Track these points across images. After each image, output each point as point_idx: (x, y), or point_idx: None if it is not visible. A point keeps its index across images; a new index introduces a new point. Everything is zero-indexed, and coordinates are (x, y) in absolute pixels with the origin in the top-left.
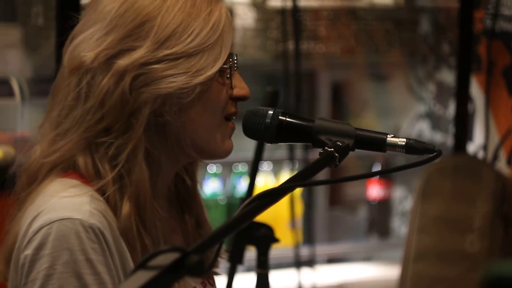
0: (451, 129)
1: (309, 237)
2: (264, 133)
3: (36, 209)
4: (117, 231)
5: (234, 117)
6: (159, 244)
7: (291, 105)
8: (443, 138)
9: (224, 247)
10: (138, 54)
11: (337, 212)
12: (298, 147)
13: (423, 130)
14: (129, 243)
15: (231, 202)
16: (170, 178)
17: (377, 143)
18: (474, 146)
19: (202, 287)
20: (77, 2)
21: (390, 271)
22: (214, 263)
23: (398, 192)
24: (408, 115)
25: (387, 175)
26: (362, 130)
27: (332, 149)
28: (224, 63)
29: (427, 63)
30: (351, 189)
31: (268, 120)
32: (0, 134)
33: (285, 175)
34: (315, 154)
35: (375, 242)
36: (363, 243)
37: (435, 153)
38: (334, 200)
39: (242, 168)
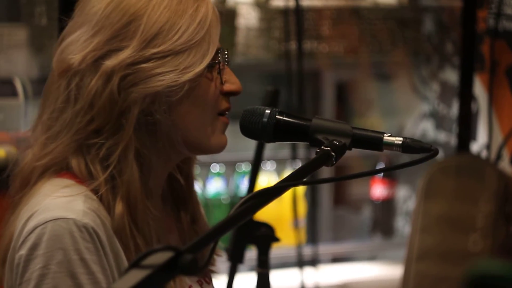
0: (455, 128)
1: (312, 237)
2: (261, 132)
3: (31, 209)
4: (111, 230)
5: (227, 112)
6: (152, 244)
7: (294, 104)
8: (447, 138)
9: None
10: (125, 54)
11: (341, 212)
12: (301, 146)
13: (427, 129)
14: (123, 242)
15: (234, 202)
16: (163, 177)
17: (374, 142)
18: (477, 145)
19: (198, 285)
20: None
21: (394, 271)
22: (209, 262)
23: (402, 192)
24: (412, 115)
25: (390, 175)
26: (359, 129)
27: (329, 148)
28: (213, 59)
29: (431, 63)
30: (355, 189)
31: (265, 119)
32: (3, 133)
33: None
34: None
35: (379, 241)
36: (367, 243)
37: (431, 152)
38: (339, 199)
39: (246, 167)
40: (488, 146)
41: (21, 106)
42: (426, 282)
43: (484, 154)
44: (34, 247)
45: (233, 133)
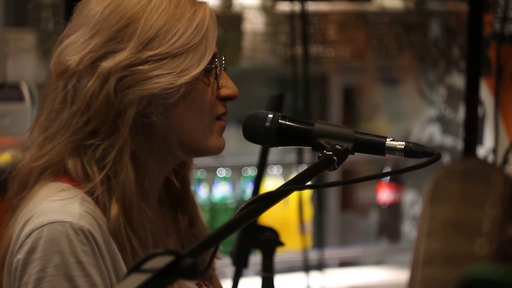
0: (462, 133)
1: (319, 241)
2: (264, 137)
3: (28, 214)
4: (108, 233)
5: (223, 116)
6: (148, 246)
7: (300, 109)
8: (454, 142)
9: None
10: (122, 56)
11: (348, 216)
12: (307, 151)
13: (434, 134)
14: (119, 244)
15: None
16: (160, 180)
17: (376, 146)
18: (484, 150)
19: None
20: None
21: (401, 275)
22: (209, 266)
23: (409, 196)
24: (419, 119)
25: (397, 179)
26: (361, 133)
27: (331, 153)
28: (210, 63)
29: (437, 67)
30: (362, 193)
31: (268, 124)
32: (10, 138)
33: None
34: None
35: (386, 246)
36: (374, 247)
37: (434, 157)
38: (346, 204)
39: (252, 172)
40: (495, 151)
41: (28, 111)
42: (432, 286)
43: (490, 158)
44: (31, 251)
45: (239, 137)
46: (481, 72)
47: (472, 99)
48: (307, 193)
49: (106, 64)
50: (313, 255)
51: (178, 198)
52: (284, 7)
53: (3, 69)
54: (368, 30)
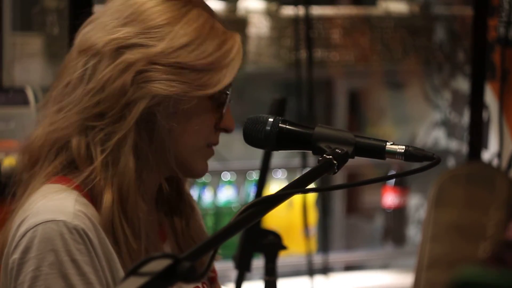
0: (467, 137)
1: (323, 245)
2: (264, 141)
3: (23, 214)
4: (103, 233)
5: (213, 145)
6: (140, 236)
7: (305, 113)
8: (459, 146)
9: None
10: (150, 52)
11: (354, 220)
12: (312, 155)
13: (439, 138)
14: (112, 233)
15: None
16: (156, 181)
17: (376, 150)
18: (489, 154)
19: None
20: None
21: (406, 279)
22: (208, 269)
23: (414, 200)
24: (424, 123)
25: (402, 183)
26: (361, 137)
27: (331, 157)
28: (224, 89)
29: (442, 71)
30: (368, 197)
31: (268, 128)
32: (14, 142)
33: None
34: None
35: (391, 250)
36: (379, 251)
37: (434, 161)
38: (351, 208)
39: (256, 176)
40: (499, 155)
41: (33, 115)
42: None
43: (495, 162)
44: (26, 251)
45: (243, 141)
46: (485, 76)
47: (476, 103)
48: (311, 197)
49: (132, 54)
50: (318, 259)
51: (175, 200)
52: (288, 11)
53: (10, 73)
54: (373, 34)
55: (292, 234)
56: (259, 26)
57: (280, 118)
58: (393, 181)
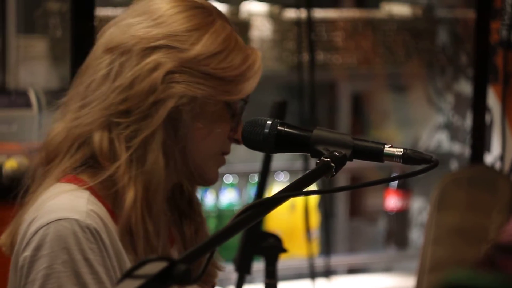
0: (469, 140)
1: (326, 248)
2: (263, 143)
3: (34, 212)
4: (114, 233)
5: (225, 153)
6: (160, 234)
7: (307, 116)
8: (462, 149)
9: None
10: (180, 55)
11: (357, 223)
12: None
13: (442, 141)
14: (132, 230)
15: None
16: (171, 183)
17: (374, 153)
18: (491, 157)
19: None
20: (91, 15)
21: (408, 282)
22: (204, 272)
23: (417, 203)
24: (427, 126)
25: (405, 186)
26: (360, 140)
27: (329, 159)
28: (244, 98)
29: (445, 74)
30: (371, 200)
31: (266, 130)
32: (16, 144)
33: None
34: None
35: (393, 253)
36: (382, 254)
37: (432, 163)
38: (354, 210)
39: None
40: (502, 158)
41: (35, 118)
42: None
43: (498, 165)
44: (38, 248)
45: None
46: (488, 79)
47: (479, 106)
48: (313, 200)
49: (161, 54)
50: (321, 262)
51: (185, 207)
52: (291, 14)
53: (14, 76)
54: (376, 37)
55: (294, 237)
56: (261, 29)
57: (278, 120)
58: (395, 184)
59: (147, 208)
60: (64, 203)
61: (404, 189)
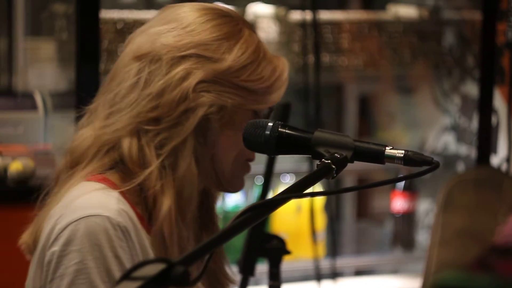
0: (476, 141)
1: (332, 250)
2: (264, 145)
3: (62, 209)
4: (142, 234)
5: (250, 160)
6: (189, 240)
7: (312, 118)
8: (468, 151)
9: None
10: (211, 65)
11: (364, 225)
12: None
13: (449, 142)
14: (164, 234)
15: None
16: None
17: (375, 155)
18: (498, 158)
19: None
20: (97, 16)
21: (415, 284)
22: (203, 274)
23: (424, 205)
24: (434, 128)
25: (411, 188)
26: (360, 142)
27: (329, 161)
28: (272, 108)
29: (452, 76)
30: (378, 202)
31: (267, 132)
32: (21, 146)
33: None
34: None
35: (400, 254)
36: (388, 256)
37: (433, 165)
38: (361, 212)
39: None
40: (508, 159)
41: (41, 120)
42: None
43: (504, 167)
44: (67, 243)
45: None
46: (494, 80)
47: (485, 108)
48: (319, 202)
49: (192, 63)
50: (328, 264)
51: (204, 217)
52: (297, 16)
53: (22, 78)
54: (382, 39)
55: (300, 239)
56: (267, 31)
57: (279, 122)
58: (402, 186)
59: (180, 215)
60: (94, 200)
61: (411, 191)
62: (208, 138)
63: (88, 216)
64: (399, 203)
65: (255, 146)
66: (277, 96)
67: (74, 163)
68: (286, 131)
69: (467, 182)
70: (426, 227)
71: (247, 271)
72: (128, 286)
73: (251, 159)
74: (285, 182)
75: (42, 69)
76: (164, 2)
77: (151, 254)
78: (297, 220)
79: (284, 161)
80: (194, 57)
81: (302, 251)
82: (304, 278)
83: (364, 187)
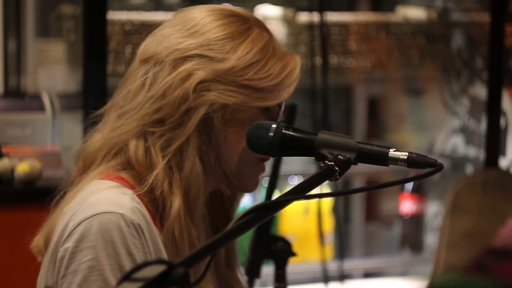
0: (484, 143)
1: (340, 252)
2: (267, 147)
3: (75, 206)
4: (155, 232)
5: (264, 160)
6: (200, 239)
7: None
8: (477, 153)
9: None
10: (214, 65)
11: (373, 227)
12: None
13: (458, 144)
14: (175, 234)
15: None
16: (210, 189)
17: (379, 157)
18: (506, 161)
19: None
20: (104, 18)
21: (423, 286)
22: (204, 276)
23: (433, 207)
24: (443, 130)
25: (420, 190)
26: (364, 143)
27: (332, 163)
28: (280, 105)
29: (461, 78)
30: (387, 204)
31: (271, 134)
32: (28, 147)
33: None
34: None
35: (408, 257)
36: (397, 259)
37: (437, 167)
38: (370, 215)
39: None
40: None
41: (48, 121)
42: None
43: None
44: (81, 239)
45: None
46: (503, 82)
47: (494, 110)
48: (327, 204)
49: (194, 64)
50: (336, 266)
51: (222, 223)
52: (305, 17)
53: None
54: (391, 40)
55: (308, 241)
56: (275, 33)
57: (283, 124)
58: (410, 188)
59: (188, 214)
60: (109, 197)
61: (419, 193)
62: (212, 137)
63: (102, 213)
64: (407, 205)
65: (258, 147)
66: (287, 93)
67: (86, 167)
68: (290, 132)
69: (475, 184)
70: (435, 229)
71: (253, 273)
72: (129, 287)
73: (264, 158)
74: (293, 184)
75: (52, 70)
76: (172, 4)
77: (164, 253)
78: (305, 222)
79: (292, 163)
80: (197, 57)
81: (310, 253)
82: (312, 280)
83: (365, 189)
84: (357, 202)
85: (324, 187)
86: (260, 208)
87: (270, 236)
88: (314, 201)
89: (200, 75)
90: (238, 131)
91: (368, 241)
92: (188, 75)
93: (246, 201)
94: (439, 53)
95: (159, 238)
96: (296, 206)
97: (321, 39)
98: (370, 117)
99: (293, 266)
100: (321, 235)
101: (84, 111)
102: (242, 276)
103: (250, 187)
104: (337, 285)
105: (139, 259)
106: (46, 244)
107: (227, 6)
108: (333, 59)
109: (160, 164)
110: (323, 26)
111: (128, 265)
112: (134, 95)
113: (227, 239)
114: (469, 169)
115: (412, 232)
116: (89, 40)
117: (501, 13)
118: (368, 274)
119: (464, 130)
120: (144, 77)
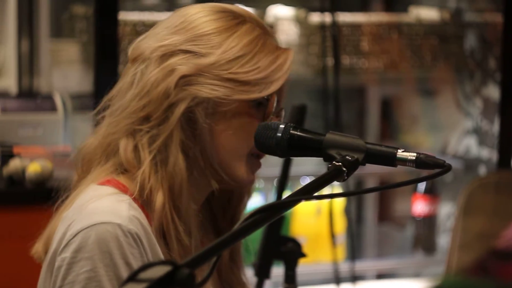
0: (497, 145)
1: (352, 253)
2: (275, 147)
3: (74, 214)
4: (153, 239)
5: (258, 156)
6: (191, 233)
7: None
8: (490, 154)
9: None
10: (197, 60)
11: (386, 228)
12: None
13: (471, 145)
14: (164, 231)
15: None
16: (206, 187)
17: (387, 157)
18: None
19: None
20: (115, 18)
21: None
22: (209, 277)
23: (445, 209)
24: (456, 131)
25: (432, 191)
26: (372, 144)
27: (340, 164)
28: (268, 99)
29: (474, 79)
30: (399, 205)
31: (279, 134)
32: (40, 148)
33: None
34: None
35: (421, 258)
36: (409, 260)
37: (445, 168)
38: (383, 216)
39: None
40: None
41: (60, 121)
42: None
43: None
44: (78, 250)
45: None
46: None
47: (506, 111)
48: (339, 205)
49: (178, 59)
50: (347, 267)
51: (226, 225)
52: (317, 18)
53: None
54: (403, 41)
55: (320, 242)
56: (288, 33)
57: (291, 124)
58: (423, 189)
59: (174, 209)
60: (106, 206)
61: (432, 194)
62: (196, 131)
63: (99, 223)
64: (420, 207)
65: (266, 148)
66: (276, 86)
67: (85, 170)
68: (298, 133)
69: (488, 185)
70: (448, 231)
71: (263, 274)
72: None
73: (258, 154)
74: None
75: (65, 71)
76: (185, 4)
77: (162, 255)
78: (316, 223)
79: (304, 163)
80: (181, 53)
81: (321, 254)
82: (324, 281)
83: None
84: (370, 203)
85: (336, 188)
86: (267, 208)
87: (280, 237)
88: (326, 202)
89: (182, 70)
90: (222, 125)
91: (381, 242)
92: (171, 71)
93: (258, 202)
94: (452, 54)
95: (157, 244)
96: (308, 207)
97: (333, 39)
98: (383, 118)
99: (304, 267)
100: (332, 236)
101: (94, 112)
102: (246, 278)
103: (242, 181)
104: (349, 286)
105: None
106: (46, 251)
107: (221, 4)
108: (346, 60)
109: (146, 161)
110: (335, 26)
111: (126, 275)
112: (124, 94)
113: (234, 239)
114: (482, 170)
115: (425, 233)
116: (101, 40)
117: None
118: (380, 275)
119: (477, 131)
120: (132, 77)
